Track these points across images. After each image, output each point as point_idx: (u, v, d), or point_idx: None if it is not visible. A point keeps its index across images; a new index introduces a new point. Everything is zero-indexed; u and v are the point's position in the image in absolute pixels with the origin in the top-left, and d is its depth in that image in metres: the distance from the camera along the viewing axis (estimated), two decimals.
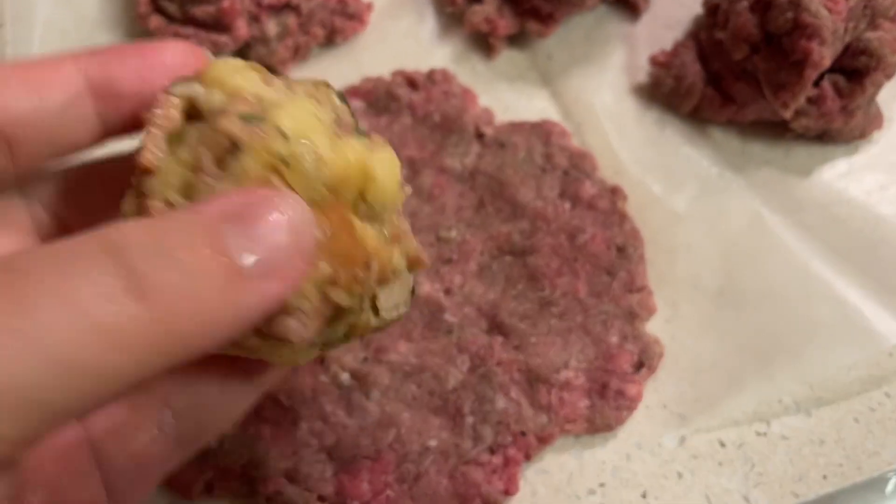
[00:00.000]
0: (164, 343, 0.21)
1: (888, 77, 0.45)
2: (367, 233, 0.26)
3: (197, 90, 0.26)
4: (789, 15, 0.43)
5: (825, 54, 0.42)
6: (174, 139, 0.25)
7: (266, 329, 0.24)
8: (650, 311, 0.43)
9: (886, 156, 0.48)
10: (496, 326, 0.42)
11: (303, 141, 0.24)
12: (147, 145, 0.25)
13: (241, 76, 0.26)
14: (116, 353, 0.20)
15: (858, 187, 0.46)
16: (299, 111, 0.25)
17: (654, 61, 0.49)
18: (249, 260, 0.22)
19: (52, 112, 0.26)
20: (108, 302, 0.20)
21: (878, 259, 0.45)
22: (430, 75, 0.49)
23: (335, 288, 0.25)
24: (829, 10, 0.42)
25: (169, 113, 0.26)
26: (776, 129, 0.47)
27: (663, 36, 0.52)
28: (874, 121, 0.47)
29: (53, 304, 0.19)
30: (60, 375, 0.19)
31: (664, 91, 0.49)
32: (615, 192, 0.46)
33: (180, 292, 0.21)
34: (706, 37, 0.49)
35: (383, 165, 0.27)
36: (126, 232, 0.21)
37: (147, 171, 0.25)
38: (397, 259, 0.28)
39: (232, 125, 0.24)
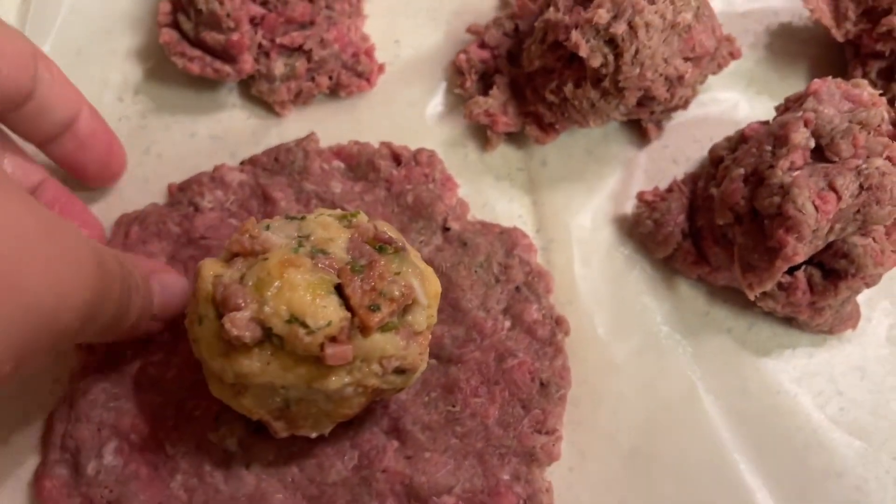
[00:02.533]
0: None
1: (868, 285, 0.43)
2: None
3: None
4: (776, 199, 0.41)
5: (800, 251, 0.40)
6: None
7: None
8: (552, 458, 0.42)
9: (849, 360, 0.46)
10: (396, 430, 0.42)
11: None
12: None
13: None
14: None
15: (808, 393, 0.44)
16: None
17: (641, 198, 0.48)
18: None
19: None
20: None
21: (804, 471, 0.43)
22: (416, 155, 0.48)
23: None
24: (817, 208, 0.40)
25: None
26: (746, 299, 0.45)
27: (666, 169, 0.50)
28: (847, 320, 0.45)
29: None
30: None
31: (642, 231, 0.47)
32: (559, 323, 0.45)
33: None
34: (702, 187, 0.47)
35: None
36: None
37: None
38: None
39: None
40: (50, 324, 0.28)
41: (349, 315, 0.33)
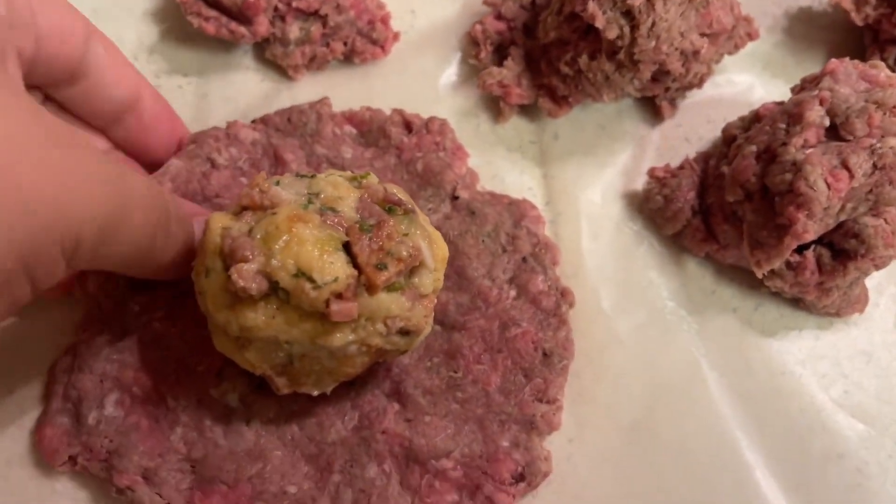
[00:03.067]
0: None
1: (878, 267, 0.43)
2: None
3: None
4: (787, 176, 0.40)
5: (810, 228, 0.40)
6: None
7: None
8: (552, 427, 0.42)
9: (856, 344, 0.45)
10: (397, 393, 0.42)
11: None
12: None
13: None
14: None
15: (812, 375, 0.44)
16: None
17: (652, 174, 0.48)
18: None
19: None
20: None
21: (805, 451, 0.43)
22: (428, 123, 0.48)
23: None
24: (829, 185, 0.40)
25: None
26: (753, 279, 0.45)
27: (678, 147, 0.50)
28: (855, 303, 0.45)
29: None
30: None
31: (652, 207, 0.47)
32: (564, 295, 0.44)
33: None
34: (714, 165, 0.47)
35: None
36: None
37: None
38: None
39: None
40: (53, 230, 0.28)
41: (356, 272, 0.33)
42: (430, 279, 0.36)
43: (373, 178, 0.38)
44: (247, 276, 0.32)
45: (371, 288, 0.34)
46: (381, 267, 0.34)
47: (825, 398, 0.44)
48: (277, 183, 0.35)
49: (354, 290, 0.33)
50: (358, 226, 0.34)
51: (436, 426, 0.41)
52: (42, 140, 0.28)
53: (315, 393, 0.38)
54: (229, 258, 0.33)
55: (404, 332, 0.36)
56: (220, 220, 0.34)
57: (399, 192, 0.37)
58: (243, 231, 0.33)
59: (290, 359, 0.36)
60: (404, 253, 0.34)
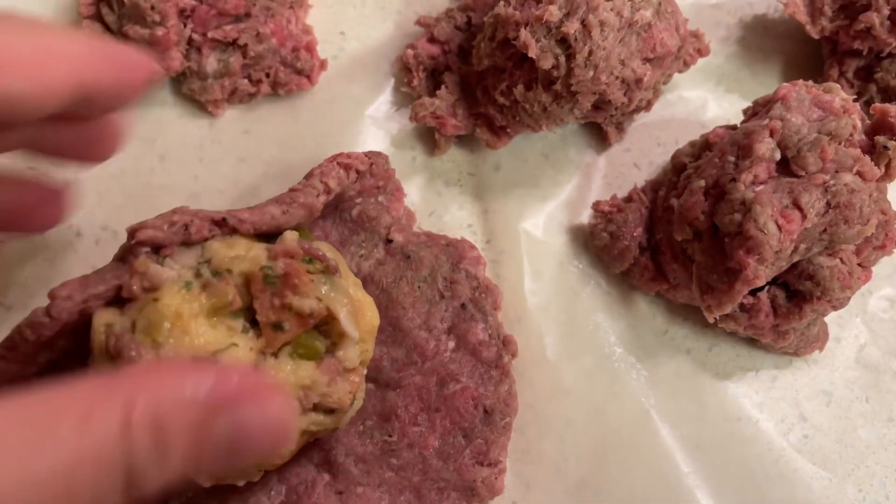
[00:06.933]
0: None
1: (835, 308, 0.40)
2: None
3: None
4: (737, 217, 0.38)
5: (760, 273, 0.37)
6: None
7: None
8: (494, 492, 0.39)
9: (815, 383, 0.43)
10: (327, 463, 0.39)
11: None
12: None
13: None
14: None
15: (770, 420, 0.42)
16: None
17: (597, 208, 0.45)
18: None
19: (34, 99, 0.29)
20: None
21: (763, 499, 0.40)
22: (373, 165, 0.44)
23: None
24: (780, 227, 0.37)
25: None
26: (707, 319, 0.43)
27: (626, 174, 0.47)
28: (814, 342, 0.42)
29: None
30: None
31: (597, 244, 0.44)
32: (506, 344, 0.42)
33: None
34: (663, 196, 0.44)
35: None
36: None
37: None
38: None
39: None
40: None
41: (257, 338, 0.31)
42: (356, 351, 0.34)
43: (290, 235, 0.35)
44: None
45: (269, 349, 0.31)
46: (277, 327, 0.31)
47: (784, 444, 0.42)
48: (162, 261, 0.32)
49: (255, 365, 0.31)
50: (262, 276, 0.31)
51: (369, 498, 0.38)
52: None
53: (241, 483, 0.35)
54: (117, 358, 0.30)
55: (328, 410, 0.33)
56: (103, 318, 0.31)
57: (326, 249, 0.34)
58: (126, 327, 0.30)
59: None
60: (306, 309, 0.31)
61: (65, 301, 0.29)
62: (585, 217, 0.46)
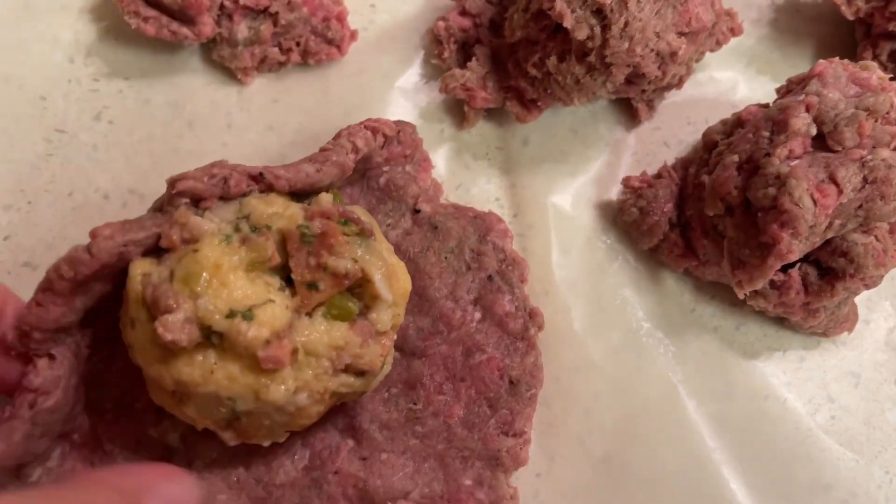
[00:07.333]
0: None
1: (868, 287, 0.40)
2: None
3: None
4: (771, 191, 0.37)
5: (794, 248, 0.37)
6: None
7: None
8: (518, 463, 0.39)
9: (844, 364, 0.42)
10: (352, 429, 0.39)
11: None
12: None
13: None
14: None
15: (798, 400, 0.41)
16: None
17: (627, 184, 0.44)
18: None
19: None
20: None
21: (790, 483, 0.40)
22: (400, 133, 0.44)
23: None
24: (815, 202, 0.36)
25: None
26: (735, 296, 0.42)
27: (656, 152, 0.47)
28: (843, 322, 0.42)
29: None
30: None
31: (626, 220, 0.44)
32: (532, 317, 0.41)
33: None
34: (693, 174, 0.44)
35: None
36: None
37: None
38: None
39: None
40: None
41: (293, 296, 0.31)
42: (388, 315, 0.33)
43: (325, 197, 0.34)
44: (174, 327, 0.29)
45: (302, 310, 0.31)
46: (311, 287, 0.31)
47: (811, 424, 0.41)
48: (202, 213, 0.32)
49: (290, 324, 0.31)
50: (299, 234, 0.31)
51: (393, 464, 0.38)
52: None
53: (267, 443, 0.35)
54: (153, 308, 0.29)
55: (358, 373, 0.33)
56: (139, 267, 0.31)
57: (360, 213, 0.34)
58: (164, 277, 0.30)
59: (236, 414, 0.32)
60: (342, 269, 0.31)
61: (106, 241, 0.29)
62: (614, 193, 0.45)
